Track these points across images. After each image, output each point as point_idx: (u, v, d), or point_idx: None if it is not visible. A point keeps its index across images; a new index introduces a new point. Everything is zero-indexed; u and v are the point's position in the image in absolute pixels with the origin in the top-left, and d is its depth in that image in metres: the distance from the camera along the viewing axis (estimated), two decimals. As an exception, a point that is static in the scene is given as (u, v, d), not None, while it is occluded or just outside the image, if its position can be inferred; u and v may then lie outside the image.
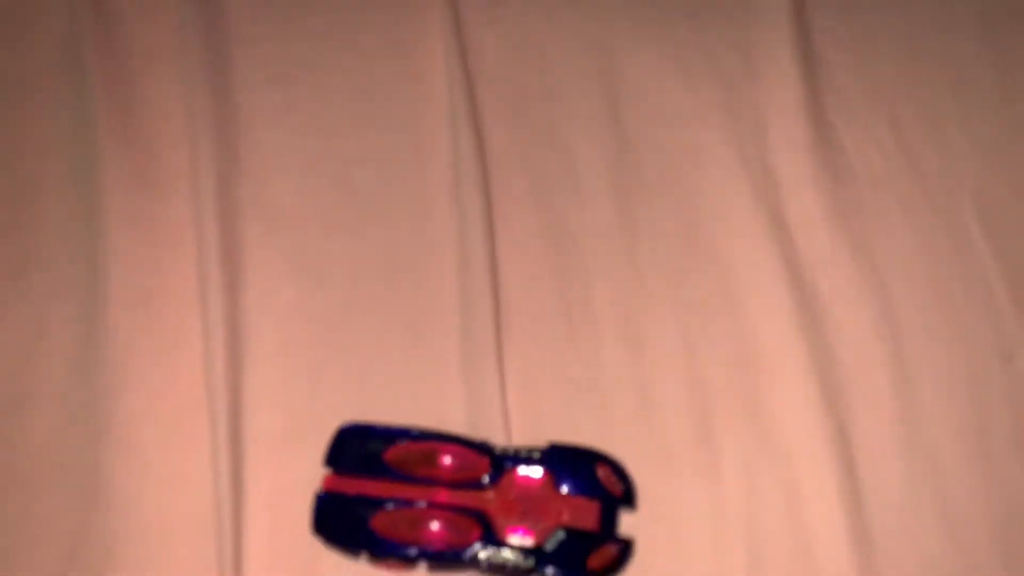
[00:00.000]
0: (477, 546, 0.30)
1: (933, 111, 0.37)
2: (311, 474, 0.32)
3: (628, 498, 0.32)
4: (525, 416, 0.33)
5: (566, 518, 0.31)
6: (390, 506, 0.31)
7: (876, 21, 0.38)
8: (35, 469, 0.34)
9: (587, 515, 0.31)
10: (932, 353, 0.33)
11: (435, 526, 0.31)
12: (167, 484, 0.33)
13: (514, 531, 0.31)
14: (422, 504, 0.31)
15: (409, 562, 0.31)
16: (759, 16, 0.39)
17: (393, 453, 0.32)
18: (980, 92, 0.37)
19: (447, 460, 0.32)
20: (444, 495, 0.31)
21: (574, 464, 0.32)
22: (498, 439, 0.32)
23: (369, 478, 0.32)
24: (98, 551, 0.32)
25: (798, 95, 0.37)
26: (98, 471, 0.33)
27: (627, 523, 0.32)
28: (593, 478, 0.31)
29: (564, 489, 0.31)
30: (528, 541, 0.31)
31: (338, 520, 0.31)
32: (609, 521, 0.31)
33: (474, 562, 0.30)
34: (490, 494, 0.31)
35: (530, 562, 0.30)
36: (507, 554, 0.30)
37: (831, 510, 0.31)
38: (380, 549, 0.30)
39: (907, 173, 0.36)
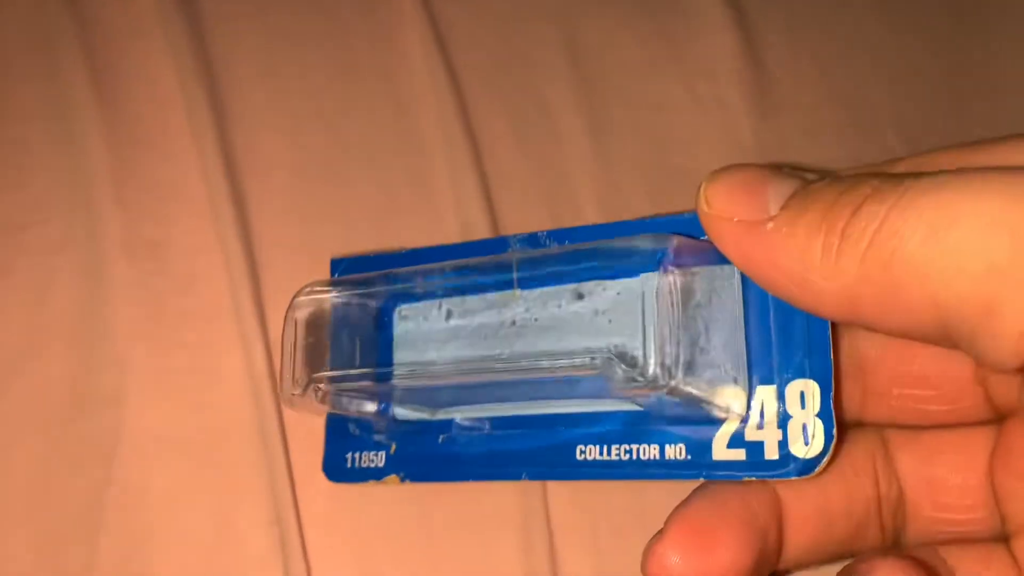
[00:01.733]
0: None
1: (848, 51, 0.43)
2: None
3: None
4: None
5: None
6: None
7: None
8: (52, 415, 0.33)
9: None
10: None
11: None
12: (194, 414, 0.34)
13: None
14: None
15: None
16: None
17: None
18: (878, 37, 0.44)
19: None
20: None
21: None
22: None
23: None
24: (130, 490, 0.32)
25: (735, 45, 0.42)
26: (119, 412, 0.33)
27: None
28: None
29: None
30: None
31: None
32: None
33: None
34: None
35: None
36: None
37: None
38: None
39: (832, 102, 0.42)
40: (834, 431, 0.20)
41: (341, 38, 0.42)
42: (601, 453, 0.21)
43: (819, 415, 0.20)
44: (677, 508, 0.21)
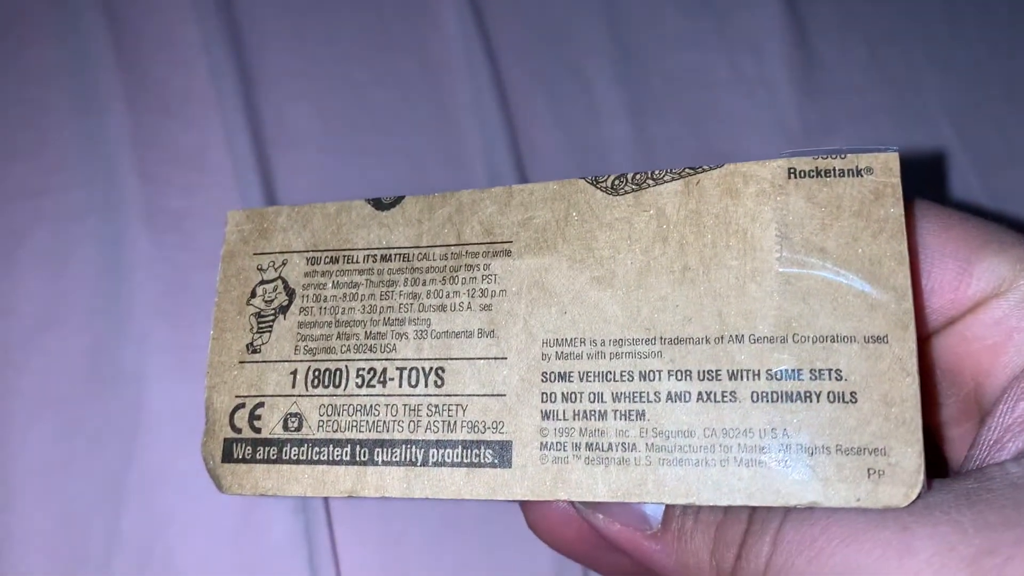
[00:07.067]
0: None
1: (900, 32, 0.41)
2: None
3: None
4: None
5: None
6: None
7: None
8: (71, 390, 0.33)
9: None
10: None
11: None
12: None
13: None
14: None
15: None
16: None
17: None
18: (933, 20, 0.42)
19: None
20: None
21: None
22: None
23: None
24: (152, 471, 0.32)
25: (783, 22, 0.41)
26: (140, 389, 0.33)
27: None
28: None
29: None
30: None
31: None
32: None
33: None
34: None
35: None
36: None
37: None
38: None
39: (881, 85, 0.40)
40: None
41: (371, 3, 0.41)
42: None
43: None
44: None
